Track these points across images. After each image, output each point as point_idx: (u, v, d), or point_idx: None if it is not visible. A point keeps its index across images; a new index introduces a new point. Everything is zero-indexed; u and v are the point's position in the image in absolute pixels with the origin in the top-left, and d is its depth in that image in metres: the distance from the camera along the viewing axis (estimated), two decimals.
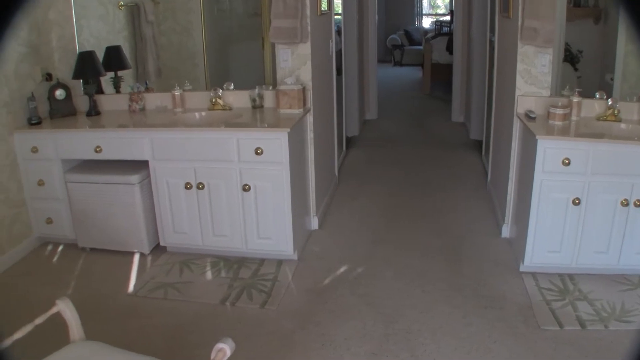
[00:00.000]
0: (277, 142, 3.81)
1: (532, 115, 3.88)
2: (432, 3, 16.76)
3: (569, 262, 3.72)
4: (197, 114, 4.45)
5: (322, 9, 4.81)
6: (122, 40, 4.98)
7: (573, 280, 3.74)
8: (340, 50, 6.25)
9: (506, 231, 4.42)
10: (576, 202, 3.54)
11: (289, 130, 3.79)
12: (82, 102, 4.77)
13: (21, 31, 4.45)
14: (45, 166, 4.39)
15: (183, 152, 4.01)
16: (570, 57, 4.35)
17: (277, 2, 4.16)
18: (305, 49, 4.34)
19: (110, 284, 4.00)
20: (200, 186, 4.01)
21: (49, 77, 4.73)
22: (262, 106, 4.44)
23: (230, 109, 4.45)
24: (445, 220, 4.82)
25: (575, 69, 4.38)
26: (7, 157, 4.33)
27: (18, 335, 2.12)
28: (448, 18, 14.39)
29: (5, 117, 4.30)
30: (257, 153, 3.83)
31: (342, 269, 4.05)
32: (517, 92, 4.09)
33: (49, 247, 4.61)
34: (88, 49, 4.74)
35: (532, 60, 4.01)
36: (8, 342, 2.11)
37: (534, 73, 4.03)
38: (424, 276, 3.91)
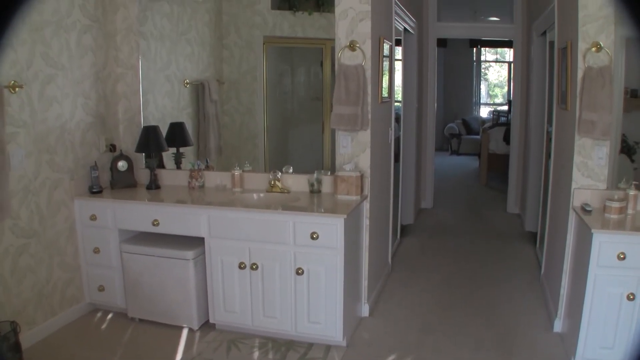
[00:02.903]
0: (333, 228, 3.97)
1: (588, 209, 3.96)
2: (490, 92, 17.00)
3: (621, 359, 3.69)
4: (255, 195, 4.66)
5: (383, 96, 5.02)
6: (185, 116, 5.27)
7: None
8: (399, 137, 6.43)
9: (558, 325, 4.42)
10: (631, 297, 3.56)
11: (345, 216, 3.94)
12: (143, 175, 5.06)
13: (89, 101, 4.78)
14: (103, 234, 4.65)
15: (239, 232, 4.19)
16: (627, 149, 4.41)
17: (339, 88, 4.39)
18: (365, 136, 4.54)
19: (157, 356, 4.14)
20: (253, 267, 4.17)
21: (112, 148, 5.03)
22: (319, 191, 4.62)
23: (288, 192, 4.65)
24: (497, 312, 4.85)
25: (632, 161, 4.43)
26: (66, 221, 4.61)
27: None
28: (506, 108, 14.58)
29: (68, 183, 4.61)
30: (312, 237, 3.99)
31: (391, 358, 4.10)
32: (574, 185, 4.17)
33: (99, 314, 4.81)
34: (152, 123, 5.05)
35: (589, 153, 4.10)
36: None
37: (590, 165, 4.12)
38: None
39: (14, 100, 4.03)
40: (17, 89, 3.99)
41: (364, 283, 4.69)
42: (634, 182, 3.98)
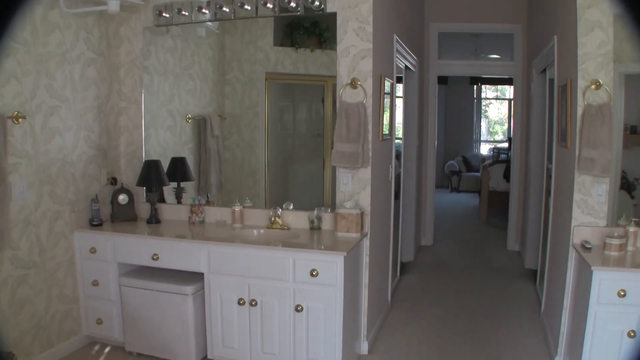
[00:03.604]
0: (332, 265, 4.01)
1: (588, 246, 4.00)
2: (490, 130, 17.12)
3: None
4: (255, 231, 4.72)
5: (384, 133, 5.08)
6: (187, 151, 5.34)
7: None
8: (399, 174, 6.48)
9: None
10: (631, 334, 3.57)
11: (345, 254, 3.98)
12: (143, 209, 5.12)
13: (92, 134, 4.86)
14: (102, 267, 4.69)
15: (239, 268, 4.23)
16: (626, 185, 4.43)
17: (341, 126, 4.46)
18: (366, 173, 4.60)
19: None
20: (253, 303, 4.20)
21: (114, 181, 5.09)
22: (319, 228, 4.66)
23: (289, 228, 4.70)
24: (497, 350, 4.84)
25: (632, 197, 4.45)
26: (66, 253, 4.67)
27: None
28: (506, 145, 14.68)
29: (68, 215, 4.67)
30: (312, 274, 4.03)
31: None
32: (574, 222, 4.22)
33: (96, 347, 4.83)
34: (154, 157, 5.13)
35: (588, 190, 4.16)
36: None
37: (590, 203, 4.17)
38: None
39: (17, 131, 4.11)
40: (20, 119, 4.08)
41: (364, 320, 4.71)
42: (633, 219, 4.03)
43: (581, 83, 4.11)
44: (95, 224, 4.79)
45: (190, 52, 5.34)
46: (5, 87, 4.01)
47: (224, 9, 4.77)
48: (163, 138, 5.34)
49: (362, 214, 4.49)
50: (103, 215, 4.93)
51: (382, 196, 5.20)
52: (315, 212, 4.65)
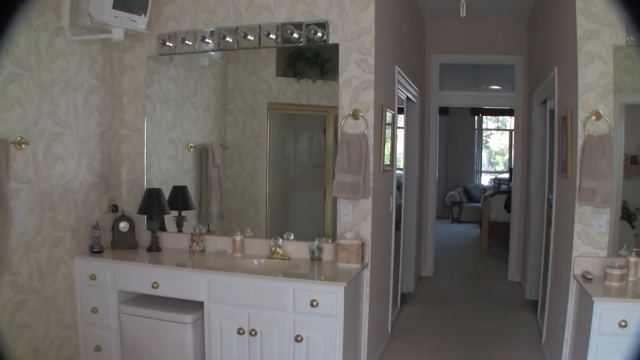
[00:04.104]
0: (333, 296, 4.01)
1: (589, 276, 4.01)
2: (491, 160, 17.17)
3: None
4: (255, 261, 4.72)
5: (385, 164, 5.11)
6: (188, 180, 5.36)
7: None
8: (400, 205, 6.50)
9: None
10: None
11: (345, 284, 3.99)
12: (144, 237, 5.13)
13: (94, 161, 4.90)
14: (102, 294, 4.68)
15: (239, 297, 4.23)
16: (627, 215, 4.46)
17: (342, 157, 4.49)
18: (367, 204, 4.62)
19: None
20: (252, 332, 4.19)
21: (115, 208, 5.11)
22: (320, 258, 4.66)
23: (289, 258, 4.70)
24: None
25: (633, 227, 4.47)
26: (65, 279, 4.66)
27: None
28: (507, 175, 14.72)
29: (68, 241, 4.68)
30: (312, 305, 4.03)
31: None
32: (574, 253, 4.24)
33: None
34: (155, 185, 5.16)
35: (589, 220, 4.19)
36: None
37: (591, 233, 4.19)
38: None
39: (19, 157, 4.14)
40: (23, 145, 4.10)
41: (364, 352, 4.69)
42: (634, 249, 4.04)
43: (581, 114, 4.16)
44: (96, 250, 4.81)
45: (193, 81, 5.39)
46: (9, 113, 4.05)
47: (227, 39, 4.83)
48: (165, 166, 5.37)
49: (362, 245, 4.50)
50: (104, 242, 4.94)
51: (383, 227, 5.22)
52: (316, 242, 4.66)
